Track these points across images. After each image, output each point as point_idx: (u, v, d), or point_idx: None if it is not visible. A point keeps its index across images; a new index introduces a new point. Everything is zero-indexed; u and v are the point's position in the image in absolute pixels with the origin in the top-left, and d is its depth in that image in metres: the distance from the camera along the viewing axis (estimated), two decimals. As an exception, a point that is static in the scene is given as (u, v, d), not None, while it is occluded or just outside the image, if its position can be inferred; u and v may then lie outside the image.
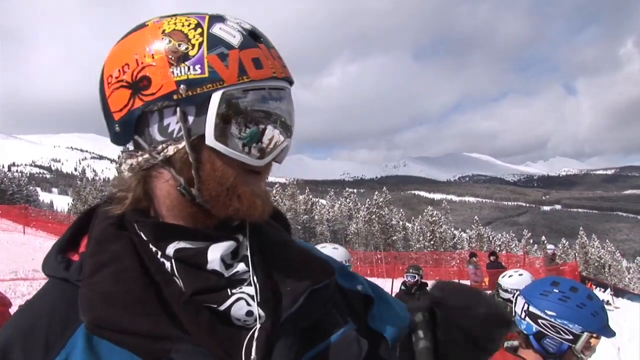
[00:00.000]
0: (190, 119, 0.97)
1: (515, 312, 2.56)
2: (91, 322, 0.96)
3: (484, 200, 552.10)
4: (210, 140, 0.96)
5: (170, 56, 0.96)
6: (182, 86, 0.95)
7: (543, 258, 24.97)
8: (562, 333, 2.38)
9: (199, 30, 0.98)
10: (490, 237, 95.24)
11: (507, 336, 2.69)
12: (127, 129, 1.02)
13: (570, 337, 2.36)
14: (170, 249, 1.02)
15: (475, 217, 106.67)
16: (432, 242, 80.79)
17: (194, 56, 0.96)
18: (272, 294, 1.05)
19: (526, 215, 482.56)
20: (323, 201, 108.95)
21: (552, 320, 2.40)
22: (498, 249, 62.13)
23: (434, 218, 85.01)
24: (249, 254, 1.06)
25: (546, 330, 2.41)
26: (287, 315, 1.02)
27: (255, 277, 1.04)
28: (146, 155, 1.01)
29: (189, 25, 0.99)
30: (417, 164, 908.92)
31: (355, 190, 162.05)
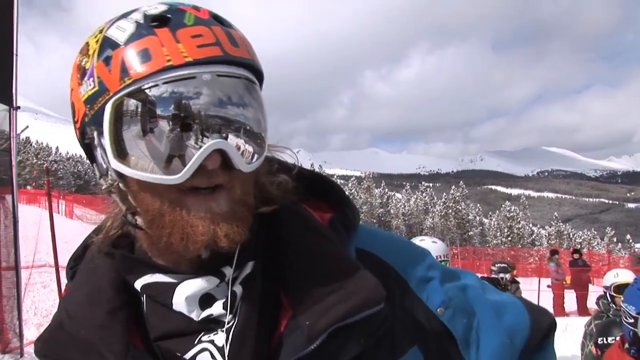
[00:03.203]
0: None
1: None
2: (39, 352, 0.89)
3: (563, 196, 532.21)
4: (113, 162, 0.81)
5: (78, 74, 0.85)
6: (88, 106, 0.83)
7: (630, 257, 24.54)
8: (626, 317, 2.24)
9: (98, 36, 0.84)
10: (571, 234, 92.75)
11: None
12: (89, 159, 0.90)
13: (632, 320, 2.19)
14: (139, 284, 0.90)
15: (555, 213, 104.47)
16: (509, 239, 79.64)
17: (89, 69, 0.82)
18: (266, 336, 0.87)
19: (609, 213, 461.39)
20: (399, 195, 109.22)
21: (623, 305, 2.32)
22: (579, 246, 60.57)
23: (511, 214, 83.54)
24: (229, 292, 0.87)
25: (623, 317, 2.30)
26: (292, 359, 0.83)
27: (236, 319, 0.86)
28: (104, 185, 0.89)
29: (94, 34, 0.85)
30: (494, 158, 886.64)
31: (431, 185, 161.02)
